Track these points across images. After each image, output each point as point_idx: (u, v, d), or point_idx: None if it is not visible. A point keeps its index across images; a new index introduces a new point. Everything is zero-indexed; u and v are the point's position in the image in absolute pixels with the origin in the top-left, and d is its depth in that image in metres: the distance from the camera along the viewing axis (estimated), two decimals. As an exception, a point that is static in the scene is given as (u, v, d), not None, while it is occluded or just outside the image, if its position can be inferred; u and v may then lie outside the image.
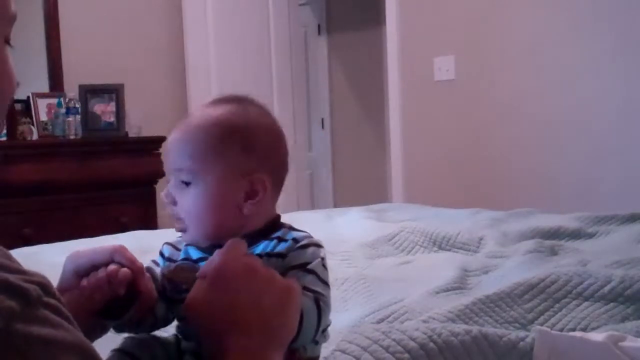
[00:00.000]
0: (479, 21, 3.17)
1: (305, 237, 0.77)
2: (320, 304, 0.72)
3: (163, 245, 0.83)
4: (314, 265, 0.75)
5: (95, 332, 0.74)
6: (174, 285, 0.76)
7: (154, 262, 0.82)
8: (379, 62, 4.76)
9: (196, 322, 0.67)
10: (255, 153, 0.76)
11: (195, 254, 0.78)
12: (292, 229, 0.79)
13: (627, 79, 2.73)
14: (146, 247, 1.40)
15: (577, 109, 2.88)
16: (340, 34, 5.27)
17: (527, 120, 3.04)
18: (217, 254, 0.70)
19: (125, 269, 0.72)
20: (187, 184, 0.76)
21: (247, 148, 0.76)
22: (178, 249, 0.81)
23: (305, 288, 0.71)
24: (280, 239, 0.77)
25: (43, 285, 0.45)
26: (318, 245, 0.77)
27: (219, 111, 0.78)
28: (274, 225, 0.79)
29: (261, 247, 0.75)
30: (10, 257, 0.46)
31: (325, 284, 0.75)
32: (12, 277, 0.43)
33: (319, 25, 5.36)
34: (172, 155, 0.77)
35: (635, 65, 2.71)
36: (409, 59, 3.45)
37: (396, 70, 3.49)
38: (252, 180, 0.75)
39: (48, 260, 1.43)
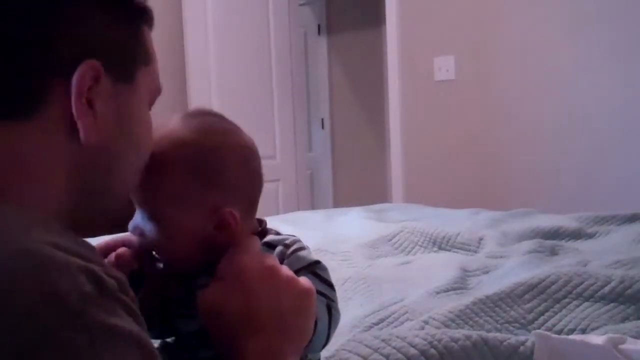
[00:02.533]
0: (479, 21, 3.17)
1: (295, 240, 0.76)
2: (332, 311, 0.71)
3: None
4: (320, 268, 0.74)
5: None
6: (164, 295, 0.76)
7: None
8: (379, 62, 4.77)
9: (211, 323, 0.67)
10: (222, 186, 0.72)
11: None
12: (278, 233, 0.78)
13: (627, 79, 2.73)
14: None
15: (577, 109, 2.88)
16: (340, 34, 5.27)
17: (527, 121, 3.04)
18: (233, 254, 0.68)
19: (129, 250, 0.75)
20: (150, 216, 0.72)
21: (211, 184, 0.71)
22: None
23: (316, 291, 0.70)
24: (270, 245, 0.75)
25: (120, 282, 0.48)
26: (306, 248, 0.76)
27: (180, 137, 0.71)
28: (261, 233, 0.77)
29: None
30: (96, 253, 0.50)
31: (332, 287, 0.74)
32: (96, 268, 0.46)
33: (319, 26, 5.35)
34: (141, 187, 0.72)
35: (636, 65, 2.70)
36: (409, 59, 3.44)
37: (396, 70, 3.48)
38: (221, 215, 0.71)
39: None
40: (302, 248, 0.75)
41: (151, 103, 0.65)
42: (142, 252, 0.76)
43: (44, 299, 0.42)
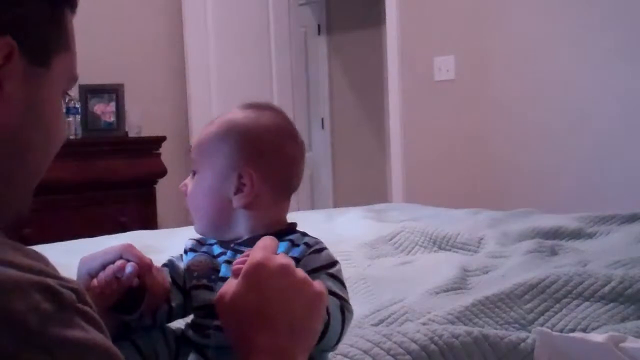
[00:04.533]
0: (479, 21, 3.17)
1: (317, 242, 0.79)
2: (345, 312, 0.74)
3: (187, 240, 0.86)
4: (336, 270, 0.77)
5: (116, 331, 0.76)
6: (189, 273, 0.80)
7: (180, 256, 0.85)
8: (379, 62, 4.76)
9: (226, 317, 0.68)
10: (247, 150, 0.80)
11: (216, 250, 0.82)
12: (305, 235, 0.81)
13: (627, 79, 2.73)
14: (146, 247, 1.40)
15: (577, 109, 2.88)
16: (340, 34, 5.27)
17: (527, 120, 3.04)
18: (251, 252, 0.70)
19: (131, 263, 0.75)
20: (194, 174, 0.84)
21: (241, 144, 0.80)
22: (202, 244, 0.84)
23: (330, 292, 0.72)
24: (293, 243, 0.79)
25: (77, 291, 0.47)
26: (328, 250, 0.79)
27: (236, 114, 0.83)
28: (288, 230, 0.81)
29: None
30: (47, 263, 0.48)
31: (345, 288, 0.77)
32: (50, 281, 0.45)
33: (319, 25, 5.35)
34: (192, 146, 0.86)
35: (636, 65, 2.70)
36: (409, 59, 3.44)
37: (396, 70, 3.48)
38: (240, 173, 0.79)
39: (48, 261, 1.42)
40: (322, 249, 0.79)
41: (66, 91, 0.62)
42: (141, 264, 0.76)
43: (2, 323, 0.41)
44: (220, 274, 0.78)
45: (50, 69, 0.57)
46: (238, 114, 0.83)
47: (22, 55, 0.53)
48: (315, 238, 0.80)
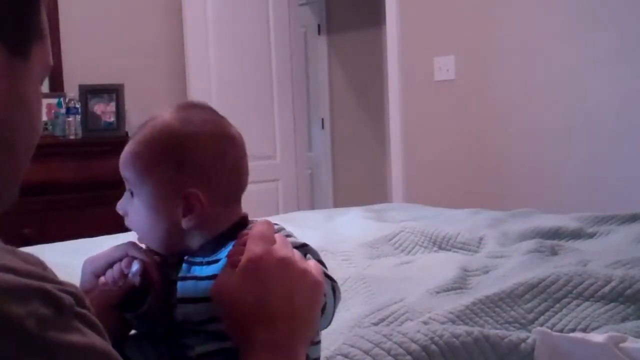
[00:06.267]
0: (479, 21, 3.17)
1: (280, 228, 0.77)
2: (336, 292, 0.73)
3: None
4: (311, 250, 0.75)
5: (119, 330, 0.77)
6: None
7: None
8: (379, 62, 4.77)
9: (224, 310, 0.67)
10: (188, 168, 0.74)
11: (171, 259, 0.79)
12: None
13: (627, 79, 2.73)
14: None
15: (577, 109, 2.88)
16: (340, 34, 5.27)
17: (527, 120, 3.04)
18: (249, 242, 0.67)
19: (138, 260, 0.76)
20: (132, 193, 0.77)
21: (179, 164, 0.74)
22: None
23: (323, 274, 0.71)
24: None
25: (76, 295, 0.47)
26: (292, 235, 0.77)
27: (163, 123, 0.76)
28: (240, 225, 0.77)
29: (230, 248, 0.72)
30: (45, 267, 0.48)
31: (325, 266, 0.75)
32: (49, 286, 0.45)
33: (319, 25, 5.36)
34: (121, 163, 0.78)
35: (636, 65, 2.70)
36: (409, 59, 3.44)
37: (396, 70, 3.48)
38: (186, 195, 0.73)
39: (48, 261, 1.42)
40: (290, 235, 0.76)
41: (42, 80, 0.61)
42: (147, 261, 0.76)
43: (1, 328, 0.41)
44: (178, 295, 0.74)
45: (30, 59, 0.57)
46: (167, 123, 0.76)
47: (4, 48, 0.53)
48: (276, 224, 0.77)
